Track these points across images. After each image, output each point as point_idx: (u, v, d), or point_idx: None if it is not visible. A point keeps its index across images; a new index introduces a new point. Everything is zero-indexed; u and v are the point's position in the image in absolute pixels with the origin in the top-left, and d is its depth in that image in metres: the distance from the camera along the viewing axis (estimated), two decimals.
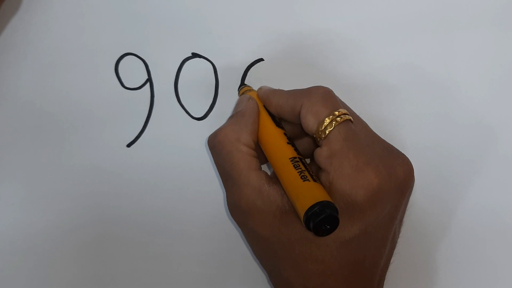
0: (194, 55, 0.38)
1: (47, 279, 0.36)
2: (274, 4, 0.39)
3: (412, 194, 0.33)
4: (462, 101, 0.39)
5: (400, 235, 0.34)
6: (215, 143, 0.33)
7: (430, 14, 0.39)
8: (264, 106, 0.34)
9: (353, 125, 0.31)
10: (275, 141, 0.33)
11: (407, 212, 0.34)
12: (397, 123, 0.38)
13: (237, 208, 0.32)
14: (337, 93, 0.33)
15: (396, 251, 0.34)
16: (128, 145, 0.38)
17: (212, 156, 0.34)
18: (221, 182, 0.37)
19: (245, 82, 0.38)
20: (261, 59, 0.38)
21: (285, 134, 0.33)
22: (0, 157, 0.37)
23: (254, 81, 0.38)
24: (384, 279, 0.34)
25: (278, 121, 0.34)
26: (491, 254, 0.37)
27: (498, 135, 0.39)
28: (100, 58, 0.38)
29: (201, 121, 0.38)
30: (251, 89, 0.37)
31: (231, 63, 0.38)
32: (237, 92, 0.38)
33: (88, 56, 0.38)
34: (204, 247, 0.37)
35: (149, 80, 0.38)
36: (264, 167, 0.36)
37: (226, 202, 0.36)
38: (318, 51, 0.39)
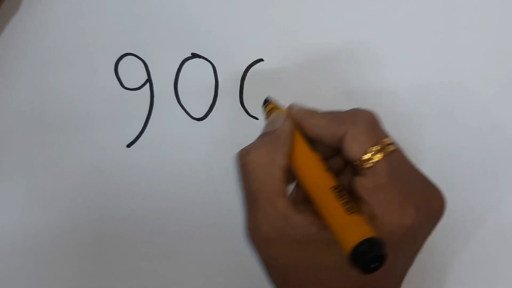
0: (194, 55, 0.38)
1: (47, 279, 0.36)
2: (274, 4, 0.39)
3: None
4: (467, 102, 0.39)
5: None
6: (245, 162, 0.31)
7: (435, 14, 0.39)
8: (298, 126, 0.32)
9: (397, 157, 0.30)
10: (313, 168, 0.30)
11: None
12: (400, 123, 0.38)
13: (260, 234, 0.30)
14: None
15: None
16: (128, 146, 0.38)
17: (239, 173, 0.31)
18: (221, 182, 0.37)
19: (269, 99, 0.35)
20: (261, 59, 0.38)
21: (322, 159, 0.31)
22: (0, 157, 0.37)
23: (254, 81, 0.38)
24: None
25: (312, 145, 0.31)
26: (492, 254, 0.37)
27: (500, 136, 0.39)
28: (100, 58, 0.38)
29: (201, 121, 0.38)
30: (279, 107, 0.34)
31: (231, 63, 0.38)
32: (237, 93, 0.38)
33: (88, 56, 0.38)
34: (204, 247, 0.37)
35: (149, 80, 0.38)
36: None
37: (226, 201, 0.36)
38: (319, 50, 0.39)
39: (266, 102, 0.34)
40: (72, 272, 0.37)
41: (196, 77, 0.38)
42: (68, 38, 0.38)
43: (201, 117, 0.38)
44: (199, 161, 0.37)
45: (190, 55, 0.38)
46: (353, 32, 0.39)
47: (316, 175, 0.30)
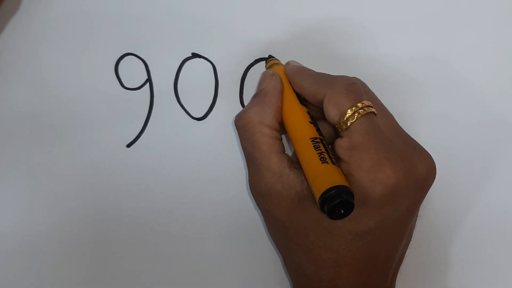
0: (194, 55, 0.38)
1: (47, 279, 0.36)
2: (274, 4, 0.39)
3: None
4: (469, 99, 0.39)
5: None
6: (239, 126, 0.33)
7: (441, 9, 0.40)
8: (289, 82, 0.34)
9: (377, 118, 0.31)
10: (298, 119, 0.32)
11: None
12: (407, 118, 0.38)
13: (257, 190, 0.32)
14: None
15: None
16: (128, 145, 0.38)
17: (239, 137, 0.34)
18: (221, 182, 0.37)
19: (272, 56, 0.37)
20: (261, 59, 0.38)
21: (308, 112, 0.33)
22: (0, 157, 0.37)
23: (254, 81, 0.38)
24: (398, 273, 0.34)
25: (302, 99, 0.33)
26: (494, 254, 0.37)
27: (502, 135, 0.39)
28: (100, 58, 0.38)
29: (201, 121, 0.38)
30: (278, 63, 0.36)
31: (231, 63, 0.38)
32: (237, 93, 0.38)
33: (88, 56, 0.38)
34: (204, 247, 0.37)
35: (149, 80, 0.38)
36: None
37: (226, 201, 0.37)
38: (319, 50, 0.39)
39: (269, 58, 0.37)
40: (72, 272, 0.36)
41: (196, 77, 0.38)
42: (68, 38, 0.38)
43: (201, 117, 0.38)
44: (199, 161, 0.37)
45: (190, 55, 0.38)
46: (353, 32, 0.39)
47: (298, 126, 0.32)
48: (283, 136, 0.36)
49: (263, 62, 0.38)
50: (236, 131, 0.34)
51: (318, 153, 0.30)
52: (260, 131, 0.32)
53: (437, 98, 0.39)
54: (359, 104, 0.30)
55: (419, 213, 0.34)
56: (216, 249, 0.37)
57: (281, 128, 0.34)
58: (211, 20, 0.39)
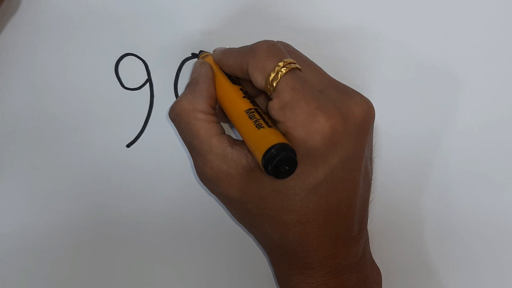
0: (194, 55, 0.38)
1: (46, 279, 0.36)
2: (274, 4, 0.39)
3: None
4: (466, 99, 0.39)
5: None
6: (174, 116, 0.33)
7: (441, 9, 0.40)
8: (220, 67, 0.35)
9: (303, 73, 0.31)
10: (230, 97, 0.33)
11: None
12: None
13: (205, 176, 0.33)
14: None
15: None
16: (128, 146, 0.38)
17: (176, 128, 0.34)
18: None
19: (202, 51, 0.38)
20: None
21: (241, 89, 0.33)
22: (0, 157, 0.37)
23: None
24: (367, 219, 0.34)
25: (234, 79, 0.34)
26: (492, 253, 0.37)
27: (500, 134, 0.39)
28: (100, 58, 0.38)
29: None
30: (209, 54, 0.37)
31: None
32: None
33: (88, 56, 0.38)
34: (204, 247, 0.37)
35: (149, 80, 0.38)
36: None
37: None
38: (319, 50, 0.39)
39: (200, 52, 0.38)
40: (71, 272, 0.37)
41: None
42: (68, 38, 0.38)
43: None
44: None
45: (190, 55, 0.38)
46: (352, 33, 0.39)
47: (232, 103, 0.33)
48: (229, 125, 0.36)
49: None
50: (173, 123, 0.34)
51: (253, 121, 0.30)
52: (194, 117, 0.32)
53: (437, 97, 0.39)
54: (281, 64, 0.31)
55: (374, 155, 0.34)
56: (216, 249, 0.37)
57: (219, 113, 0.34)
58: (211, 20, 0.39)
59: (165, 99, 0.38)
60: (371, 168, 0.34)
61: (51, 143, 0.37)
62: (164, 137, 0.38)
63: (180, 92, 0.38)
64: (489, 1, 0.40)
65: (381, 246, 0.37)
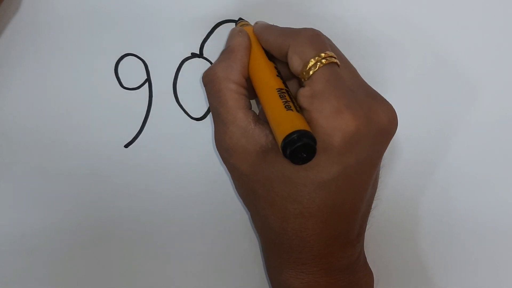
0: (194, 55, 0.38)
1: (46, 279, 0.36)
2: (274, 4, 0.39)
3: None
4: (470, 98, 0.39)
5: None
6: (206, 82, 0.34)
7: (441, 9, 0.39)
8: (258, 41, 0.35)
9: (339, 69, 0.31)
10: (264, 72, 0.33)
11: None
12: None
13: (222, 145, 0.33)
14: None
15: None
16: (126, 146, 0.37)
17: (206, 93, 0.34)
18: (220, 182, 0.37)
19: (241, 19, 0.38)
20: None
21: (276, 68, 0.33)
22: (0, 157, 0.37)
23: None
24: (366, 225, 0.34)
25: (270, 56, 0.34)
26: (491, 253, 0.37)
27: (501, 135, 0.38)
28: (99, 58, 0.38)
29: (200, 121, 0.38)
30: (247, 24, 0.37)
31: None
32: None
33: (87, 56, 0.38)
34: (204, 247, 0.37)
35: (148, 80, 0.38)
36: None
37: (225, 202, 0.37)
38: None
39: (239, 20, 0.38)
40: (70, 272, 0.37)
41: (196, 77, 0.38)
42: (68, 38, 0.38)
43: (200, 117, 0.38)
44: (198, 161, 0.37)
45: (189, 55, 0.38)
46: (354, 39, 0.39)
47: (264, 78, 0.32)
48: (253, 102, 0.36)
49: None
50: (204, 87, 0.34)
51: (283, 102, 0.30)
52: (226, 86, 0.33)
53: (437, 98, 0.38)
54: (322, 54, 0.31)
55: (383, 163, 0.34)
56: (216, 249, 0.37)
57: (249, 87, 0.34)
58: (211, 20, 0.39)
59: (164, 99, 0.38)
60: (379, 175, 0.34)
61: (50, 142, 0.37)
62: (163, 137, 0.38)
63: (179, 92, 0.38)
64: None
65: (378, 248, 0.37)
